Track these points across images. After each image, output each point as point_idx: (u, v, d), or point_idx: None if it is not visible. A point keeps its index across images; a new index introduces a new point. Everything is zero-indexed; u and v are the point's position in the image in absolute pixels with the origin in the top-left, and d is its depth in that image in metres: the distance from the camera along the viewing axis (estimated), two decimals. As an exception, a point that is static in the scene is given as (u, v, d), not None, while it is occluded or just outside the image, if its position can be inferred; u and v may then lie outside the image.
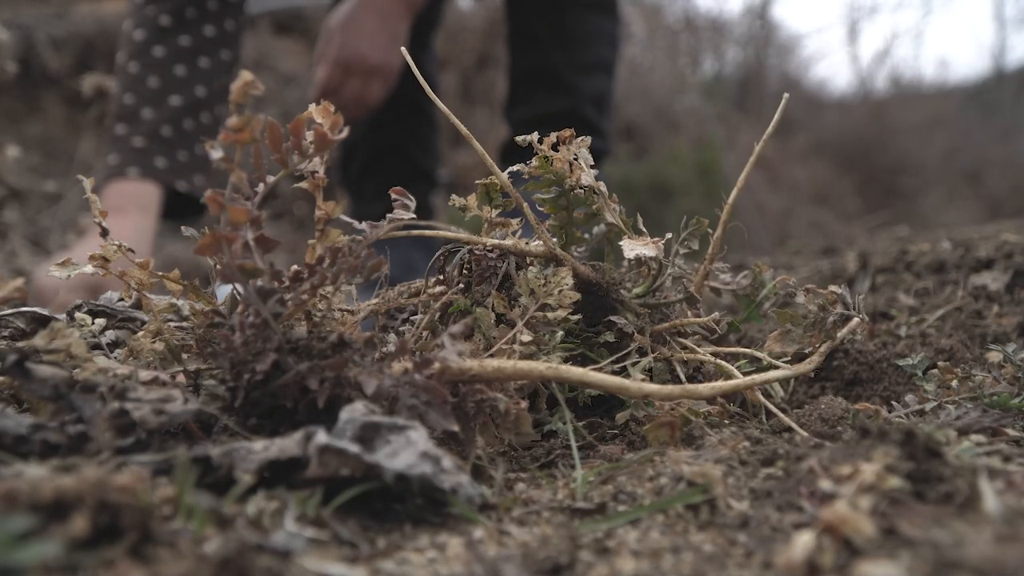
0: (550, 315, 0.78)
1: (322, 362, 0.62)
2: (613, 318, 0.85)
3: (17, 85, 3.61)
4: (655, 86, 7.36)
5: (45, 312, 0.88)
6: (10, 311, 0.87)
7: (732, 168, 5.53)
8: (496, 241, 0.83)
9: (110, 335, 0.87)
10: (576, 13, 2.08)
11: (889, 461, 0.56)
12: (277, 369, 0.63)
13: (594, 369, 0.72)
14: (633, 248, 0.81)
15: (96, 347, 0.84)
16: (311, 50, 2.53)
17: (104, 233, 0.81)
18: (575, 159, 0.86)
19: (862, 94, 10.10)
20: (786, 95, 0.89)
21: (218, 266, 0.64)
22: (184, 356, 0.75)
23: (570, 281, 0.78)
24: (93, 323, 0.86)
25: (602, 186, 0.89)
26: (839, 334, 0.89)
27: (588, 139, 0.87)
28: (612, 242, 0.93)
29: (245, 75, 0.65)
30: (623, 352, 0.84)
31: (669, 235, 0.91)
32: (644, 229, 0.89)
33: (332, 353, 0.64)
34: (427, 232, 0.80)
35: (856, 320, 0.90)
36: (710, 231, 0.91)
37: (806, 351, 0.90)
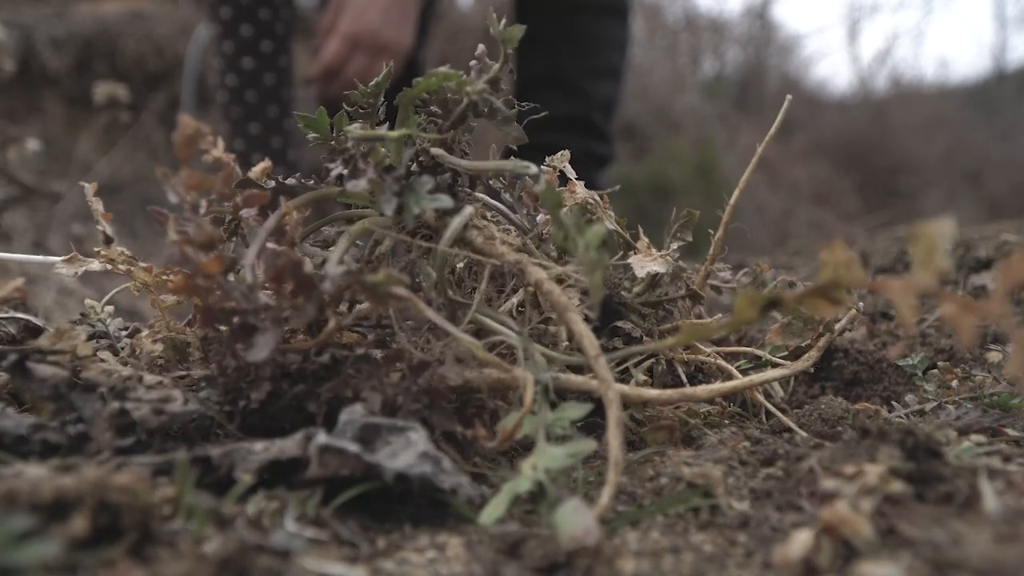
0: (551, 329, 0.77)
1: (318, 388, 0.62)
2: (619, 323, 0.84)
3: (17, 85, 3.61)
4: (655, 86, 7.36)
5: (38, 322, 0.88)
6: (3, 316, 0.87)
7: (732, 168, 5.54)
8: (515, 257, 0.83)
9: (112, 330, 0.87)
10: (589, 18, 2.07)
11: (894, 463, 0.56)
12: (273, 395, 0.62)
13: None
14: (644, 266, 0.81)
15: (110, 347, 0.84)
16: (311, 50, 2.55)
17: (108, 241, 0.80)
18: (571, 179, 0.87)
19: (862, 94, 10.11)
20: (788, 97, 0.89)
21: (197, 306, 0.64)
22: (187, 360, 0.75)
23: (576, 299, 0.78)
24: (102, 311, 0.87)
25: (595, 196, 0.89)
26: (837, 326, 0.89)
27: (567, 153, 0.88)
28: (608, 244, 0.93)
29: (186, 122, 0.66)
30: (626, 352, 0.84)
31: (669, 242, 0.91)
32: (641, 235, 0.89)
33: (326, 374, 0.63)
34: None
35: (852, 311, 0.90)
36: (711, 231, 0.91)
37: (804, 344, 0.90)
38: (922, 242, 0.49)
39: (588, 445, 0.56)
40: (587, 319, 0.74)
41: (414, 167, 0.71)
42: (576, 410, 0.60)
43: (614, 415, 0.56)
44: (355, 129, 0.71)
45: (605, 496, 0.53)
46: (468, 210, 0.69)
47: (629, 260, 0.83)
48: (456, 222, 0.68)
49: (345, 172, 0.69)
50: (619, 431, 0.56)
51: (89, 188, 0.80)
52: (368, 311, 0.68)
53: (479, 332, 0.70)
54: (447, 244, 0.68)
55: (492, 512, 0.54)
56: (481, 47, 0.72)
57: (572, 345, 0.83)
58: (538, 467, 0.56)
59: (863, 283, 0.52)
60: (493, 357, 0.64)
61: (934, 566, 0.46)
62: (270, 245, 0.66)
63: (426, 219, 0.70)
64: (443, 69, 0.69)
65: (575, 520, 0.49)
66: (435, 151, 0.71)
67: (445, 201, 0.66)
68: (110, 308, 0.89)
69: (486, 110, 0.72)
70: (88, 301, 0.88)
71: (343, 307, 0.66)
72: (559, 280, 0.68)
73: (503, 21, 0.70)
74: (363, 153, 0.70)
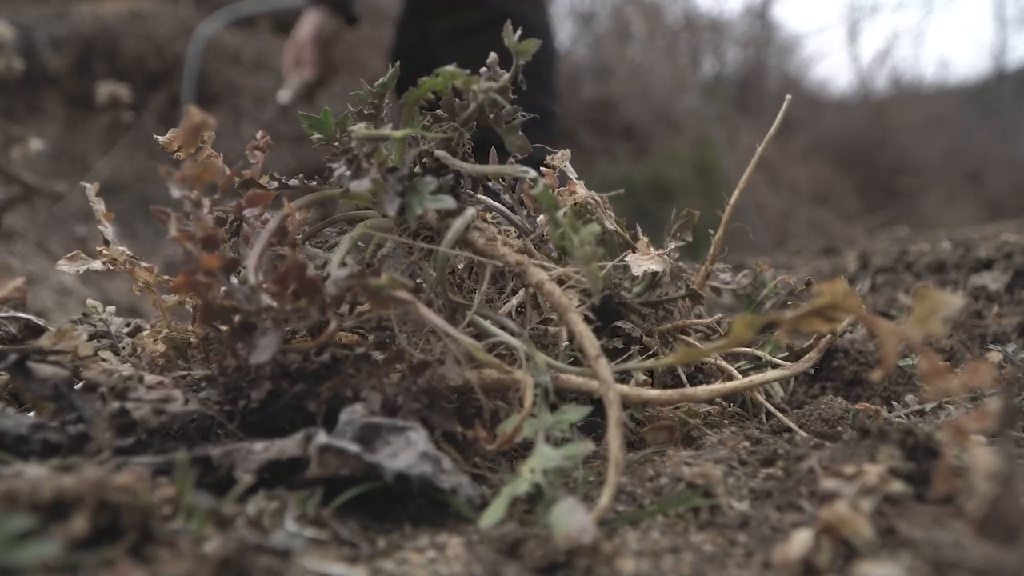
0: (552, 330, 0.77)
1: (318, 387, 0.62)
2: (619, 323, 0.84)
3: (17, 85, 3.61)
4: (655, 86, 7.36)
5: (39, 321, 0.88)
6: (4, 315, 0.87)
7: (732, 168, 5.54)
8: (516, 258, 0.83)
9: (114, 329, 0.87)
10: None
11: (894, 463, 0.56)
12: (273, 394, 0.62)
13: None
14: (641, 264, 0.81)
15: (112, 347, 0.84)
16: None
17: (107, 244, 0.80)
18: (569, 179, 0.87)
19: (862, 94, 10.11)
20: (788, 96, 0.89)
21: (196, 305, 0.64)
22: (188, 359, 0.75)
23: (576, 300, 0.78)
24: (103, 311, 0.87)
25: (596, 195, 0.89)
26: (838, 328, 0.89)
27: (568, 152, 0.89)
28: (607, 244, 0.93)
29: (193, 112, 0.66)
30: (628, 355, 0.84)
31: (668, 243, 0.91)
32: (640, 235, 0.89)
33: (326, 373, 0.63)
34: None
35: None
36: (711, 231, 0.91)
37: (804, 345, 0.90)
38: (926, 303, 0.51)
39: (586, 447, 0.56)
40: (587, 320, 0.74)
41: (416, 168, 0.71)
42: (575, 412, 0.60)
43: (614, 415, 0.56)
44: (359, 128, 0.71)
45: (605, 497, 0.53)
46: (470, 211, 0.69)
47: (627, 259, 0.83)
48: (458, 223, 0.68)
49: (348, 172, 0.69)
50: (619, 431, 0.56)
51: (91, 189, 0.80)
52: (369, 312, 0.68)
53: (479, 334, 0.70)
54: (449, 245, 0.68)
55: (491, 516, 0.54)
56: (493, 55, 0.72)
57: (573, 345, 0.83)
58: (536, 469, 0.56)
59: (859, 312, 0.54)
60: (493, 358, 0.64)
61: (934, 566, 0.46)
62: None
63: (428, 220, 0.70)
64: (449, 68, 0.69)
65: (570, 519, 0.49)
66: (439, 152, 0.71)
67: (448, 202, 0.66)
68: (111, 308, 0.89)
69: (492, 115, 0.72)
70: (90, 301, 0.88)
71: (344, 308, 0.66)
72: (560, 281, 0.69)
73: (518, 33, 0.70)
74: (366, 153, 0.70)
